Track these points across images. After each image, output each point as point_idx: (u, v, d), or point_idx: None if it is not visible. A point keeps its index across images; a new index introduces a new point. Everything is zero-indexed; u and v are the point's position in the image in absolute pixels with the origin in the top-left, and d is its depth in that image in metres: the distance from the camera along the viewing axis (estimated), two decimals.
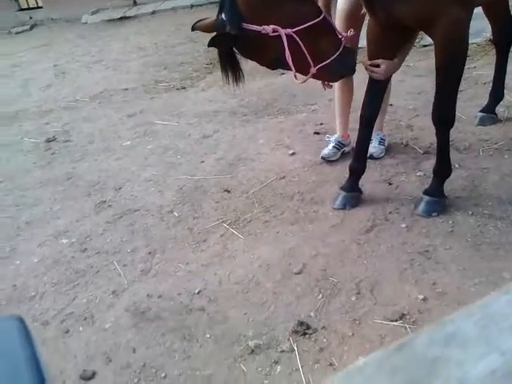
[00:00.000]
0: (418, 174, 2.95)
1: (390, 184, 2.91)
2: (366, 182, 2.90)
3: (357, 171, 2.76)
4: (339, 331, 1.97)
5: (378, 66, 2.42)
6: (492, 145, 3.12)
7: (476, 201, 2.61)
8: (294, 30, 2.05)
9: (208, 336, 2.06)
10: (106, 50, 8.30)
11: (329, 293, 2.17)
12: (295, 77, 2.34)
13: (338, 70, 2.29)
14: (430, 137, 3.21)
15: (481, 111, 3.44)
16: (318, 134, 3.70)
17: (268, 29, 2.02)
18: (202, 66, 6.27)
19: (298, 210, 2.82)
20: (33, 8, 14.37)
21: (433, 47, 2.37)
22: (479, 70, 4.35)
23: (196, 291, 2.30)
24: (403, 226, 2.53)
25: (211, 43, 2.09)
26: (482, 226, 2.41)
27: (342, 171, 3.07)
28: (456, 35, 2.18)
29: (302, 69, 2.23)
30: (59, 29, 11.57)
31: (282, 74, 5.27)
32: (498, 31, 3.34)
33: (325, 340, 1.94)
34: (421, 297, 2.04)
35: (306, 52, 2.12)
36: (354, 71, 2.44)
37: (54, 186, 3.62)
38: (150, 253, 2.65)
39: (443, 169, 2.57)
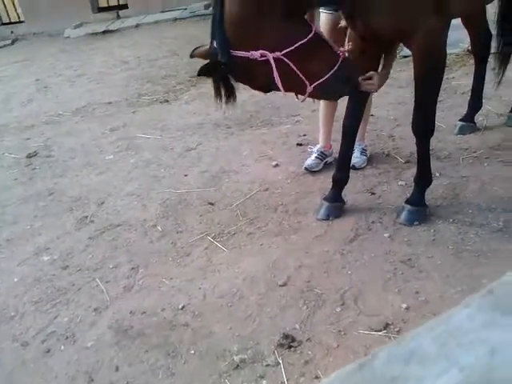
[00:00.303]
0: (399, 183, 2.98)
1: (373, 194, 2.93)
2: (349, 193, 2.92)
3: (340, 181, 2.77)
4: (324, 343, 1.96)
5: (370, 78, 2.45)
6: (471, 153, 3.16)
7: (457, 209, 2.64)
8: (283, 52, 2.02)
9: (192, 352, 2.03)
10: (89, 63, 8.27)
11: (313, 304, 2.17)
12: (296, 96, 2.32)
13: (338, 86, 2.21)
14: (411, 146, 3.24)
15: (460, 120, 3.50)
16: (301, 145, 3.72)
17: (256, 54, 2.00)
18: (186, 79, 6.28)
19: (281, 222, 2.82)
20: (14, 22, 14.29)
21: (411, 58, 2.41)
22: (458, 79, 4.43)
23: (180, 306, 2.28)
24: (386, 235, 2.54)
25: (201, 72, 2.08)
26: (463, 233, 2.44)
27: (325, 182, 3.09)
28: (433, 46, 2.21)
29: (299, 88, 2.19)
30: (41, 43, 11.52)
31: None
32: (476, 42, 3.42)
33: (310, 352, 1.93)
34: (404, 306, 2.05)
35: (298, 72, 2.09)
36: (356, 86, 2.34)
37: (35, 202, 3.57)
38: (132, 268, 2.62)
39: (424, 178, 2.60)
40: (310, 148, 3.41)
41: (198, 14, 10.92)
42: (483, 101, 3.52)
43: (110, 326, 2.23)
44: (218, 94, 2.18)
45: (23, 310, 2.44)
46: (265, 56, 2.01)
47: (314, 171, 3.27)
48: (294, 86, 2.16)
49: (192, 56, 2.21)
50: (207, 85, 5.88)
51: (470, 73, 3.69)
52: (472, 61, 3.79)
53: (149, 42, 9.25)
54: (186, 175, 3.58)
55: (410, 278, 2.22)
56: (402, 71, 4.72)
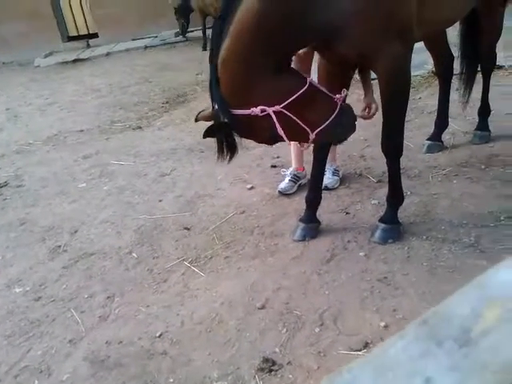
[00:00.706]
0: (372, 202, 3.03)
1: (347, 213, 2.97)
2: (324, 213, 2.95)
3: (313, 202, 2.81)
4: (304, 365, 1.95)
5: (369, 107, 2.61)
6: (440, 171, 3.25)
7: (429, 226, 2.69)
8: (282, 105, 2.08)
9: (171, 380, 1.99)
10: (60, 92, 8.23)
11: (293, 326, 2.16)
12: (301, 145, 2.39)
13: (338, 130, 2.28)
14: (382, 166, 3.32)
15: (428, 139, 3.61)
16: (275, 167, 3.76)
17: (256, 110, 2.06)
18: (158, 105, 6.31)
19: (258, 244, 2.82)
20: None
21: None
22: (424, 100, 4.58)
23: (157, 334, 2.23)
24: (362, 254, 2.57)
25: (207, 134, 2.16)
26: (437, 250, 2.49)
27: (301, 203, 3.11)
28: (397, 69, 2.29)
29: (301, 137, 2.27)
30: (11, 72, 11.41)
31: None
32: (440, 64, 3.56)
33: (291, 376, 1.91)
34: (382, 324, 2.06)
35: (299, 122, 2.14)
36: (354, 129, 2.41)
37: (7, 232, 3.48)
38: (108, 297, 2.57)
39: (396, 197, 2.65)
40: (284, 171, 3.45)
41: (168, 42, 11.07)
42: (449, 120, 3.65)
43: (86, 358, 2.17)
44: (221, 151, 2.26)
45: None
46: (265, 111, 2.08)
47: (289, 194, 3.30)
48: (297, 135, 2.25)
49: (197, 120, 2.29)
50: (179, 111, 5.93)
51: (436, 93, 3.83)
52: (437, 82, 3.94)
53: (120, 69, 9.29)
54: (160, 201, 3.56)
55: (386, 295, 2.24)
56: None
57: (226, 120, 2.09)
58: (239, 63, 2.03)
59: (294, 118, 2.12)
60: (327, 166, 3.06)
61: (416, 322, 0.45)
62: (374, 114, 2.68)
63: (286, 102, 2.09)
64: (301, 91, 2.12)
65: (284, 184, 3.34)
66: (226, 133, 2.17)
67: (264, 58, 2.05)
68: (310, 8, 2.02)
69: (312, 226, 2.80)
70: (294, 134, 2.21)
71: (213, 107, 2.15)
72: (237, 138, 2.23)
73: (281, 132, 2.13)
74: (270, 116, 2.09)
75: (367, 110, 2.66)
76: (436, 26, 2.70)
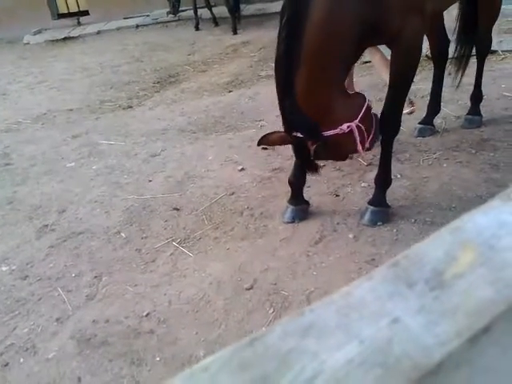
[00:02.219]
0: (362, 185, 3.03)
1: (337, 196, 2.96)
2: (314, 195, 2.95)
3: (297, 184, 2.79)
4: None
5: None
6: (431, 155, 3.25)
7: (418, 209, 2.70)
8: (358, 119, 2.26)
9: (158, 359, 1.99)
10: (50, 70, 8.08)
11: (280, 306, 2.17)
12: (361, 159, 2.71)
13: (377, 135, 2.54)
14: (372, 150, 3.31)
15: (420, 123, 3.59)
16: (266, 149, 3.72)
17: (344, 127, 2.21)
18: (149, 85, 6.22)
19: (247, 226, 2.81)
20: None
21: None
22: (417, 84, 4.54)
23: (144, 314, 2.23)
24: (351, 236, 2.57)
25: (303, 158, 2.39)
26: (425, 232, 2.49)
27: None
28: (414, 44, 2.38)
29: (363, 148, 2.41)
30: (0, 50, 11.18)
31: (230, 91, 5.32)
32: (435, 47, 3.53)
33: None
34: None
35: (365, 134, 2.35)
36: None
37: None
38: (95, 277, 2.56)
39: (384, 179, 2.66)
40: None
41: (160, 21, 10.86)
42: (441, 104, 3.63)
43: (72, 336, 2.16)
44: (312, 169, 2.46)
45: None
46: (350, 127, 2.23)
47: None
48: (362, 146, 2.38)
49: (261, 144, 2.43)
50: (170, 91, 5.86)
51: (429, 77, 3.81)
52: (430, 65, 3.91)
53: (111, 48, 9.13)
54: (150, 181, 3.53)
55: None
56: (364, 76, 4.80)
57: (319, 141, 2.17)
58: (320, 90, 2.14)
59: (364, 129, 2.31)
60: None
61: (386, 265, 0.44)
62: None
63: (360, 116, 2.28)
64: (366, 105, 2.34)
65: None
66: (315, 158, 2.32)
67: (340, 73, 2.21)
68: (359, 12, 2.09)
69: (301, 207, 2.79)
70: (362, 144, 2.36)
71: (290, 134, 2.23)
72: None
73: (359, 145, 2.32)
74: (352, 132, 2.24)
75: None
76: (440, 4, 2.71)
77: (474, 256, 0.42)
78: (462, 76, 3.55)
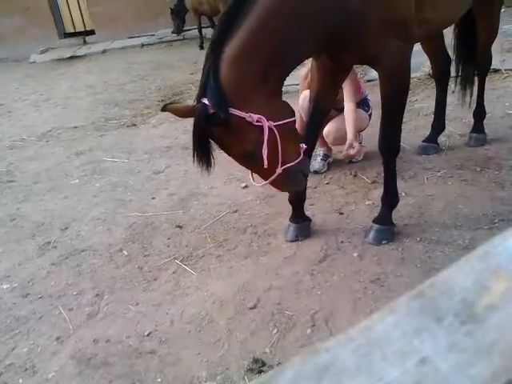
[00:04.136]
0: (367, 203, 3.00)
1: (341, 214, 2.94)
2: (318, 213, 2.92)
3: (297, 201, 2.76)
4: None
5: (352, 146, 2.95)
6: (436, 173, 3.23)
7: (423, 227, 2.67)
8: (276, 123, 2.01)
9: (159, 380, 1.95)
10: (55, 88, 8.16)
11: (284, 327, 2.13)
12: (252, 179, 2.30)
13: (297, 175, 2.21)
14: (376, 167, 3.31)
15: (424, 141, 3.59)
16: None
17: (254, 117, 1.95)
18: (154, 103, 6.26)
19: (251, 244, 2.79)
20: None
21: (377, 82, 2.49)
22: (420, 102, 4.57)
23: (146, 333, 2.20)
24: (355, 254, 2.54)
25: (200, 121, 1.97)
26: (430, 251, 2.46)
27: None
28: (399, 66, 2.31)
29: (271, 165, 2.08)
30: (6, 68, 11.31)
31: None
32: (437, 67, 3.55)
33: None
34: None
35: (279, 149, 2.05)
36: (305, 182, 2.41)
37: None
38: (97, 295, 2.53)
39: (391, 197, 2.63)
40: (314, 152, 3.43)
41: (165, 40, 11.01)
42: (445, 122, 3.63)
43: (73, 356, 2.13)
44: (199, 156, 2.10)
45: None
46: (260, 121, 1.97)
47: (322, 173, 3.49)
48: (269, 162, 2.04)
49: (165, 110, 2.10)
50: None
51: (432, 95, 3.82)
52: (433, 84, 3.92)
53: (116, 67, 9.23)
54: (153, 198, 3.52)
55: (380, 297, 2.21)
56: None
57: (221, 115, 1.91)
58: (250, 62, 1.94)
59: (279, 141, 2.03)
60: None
61: (410, 295, 0.39)
62: (356, 154, 3.08)
63: (279, 122, 2.02)
64: (292, 119, 2.11)
65: (317, 164, 3.48)
66: (208, 129, 2.00)
67: (275, 63, 1.99)
68: (323, 11, 2.01)
69: (303, 225, 2.77)
70: (269, 158, 2.03)
71: (198, 100, 2.00)
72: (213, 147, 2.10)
73: (264, 150, 2.00)
74: (261, 130, 1.98)
75: (350, 150, 2.97)
76: (435, 25, 2.69)
77: (507, 285, 0.38)
78: (469, 95, 3.55)
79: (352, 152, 2.99)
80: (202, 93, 1.98)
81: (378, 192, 2.99)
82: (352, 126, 3.10)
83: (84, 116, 6.10)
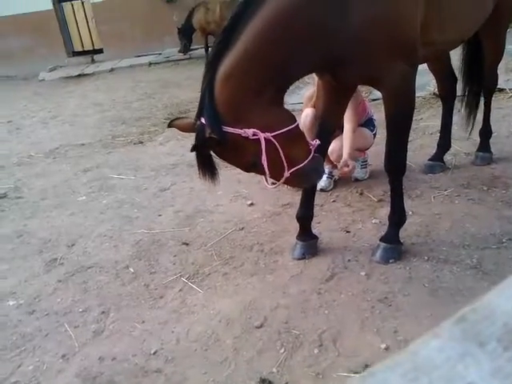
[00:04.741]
0: (373, 221, 3.00)
1: (348, 232, 2.93)
2: (324, 231, 2.92)
3: (305, 219, 2.77)
4: None
5: (347, 165, 2.96)
6: (442, 191, 3.23)
7: (430, 246, 2.66)
8: (273, 134, 2.06)
9: None
10: (63, 106, 8.26)
11: (291, 346, 2.11)
12: (266, 181, 2.35)
13: (309, 174, 2.28)
14: (383, 185, 3.31)
15: (430, 160, 3.59)
16: (275, 183, 3.72)
17: (248, 132, 2.01)
18: (160, 120, 6.32)
19: (257, 261, 2.78)
20: None
21: (381, 101, 2.50)
22: (426, 121, 4.59)
23: (152, 351, 2.18)
24: (362, 273, 2.53)
25: (194, 149, 2.07)
26: (438, 271, 2.45)
27: None
28: (403, 88, 2.31)
29: (277, 173, 2.19)
30: (15, 86, 11.48)
31: None
32: (443, 86, 3.57)
33: None
34: (383, 346, 2.01)
35: (282, 156, 2.11)
36: (321, 177, 2.47)
37: (3, 244, 3.44)
38: (103, 312, 2.52)
39: (398, 216, 2.62)
40: None
41: (172, 59, 11.15)
42: (451, 141, 3.64)
43: (78, 374, 2.11)
44: (202, 170, 2.18)
45: None
46: (256, 135, 2.03)
47: (328, 191, 3.50)
48: (275, 168, 2.15)
49: (171, 126, 2.21)
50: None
51: (437, 114, 3.84)
52: (438, 103, 3.95)
53: (123, 85, 9.34)
54: (159, 215, 3.53)
55: (387, 316, 2.19)
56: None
57: (214, 135, 1.99)
58: (242, 80, 2.00)
59: (280, 150, 2.09)
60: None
61: (452, 319, 0.40)
62: (351, 172, 3.06)
63: (277, 132, 2.06)
64: (291, 126, 2.13)
65: (323, 182, 3.46)
66: (211, 148, 2.09)
67: (268, 81, 2.03)
68: (319, 33, 2.02)
69: (310, 243, 2.76)
70: (274, 166, 2.12)
71: (198, 119, 2.07)
72: (216, 160, 2.17)
73: (264, 161, 2.08)
74: (259, 142, 2.04)
75: (344, 168, 2.98)
76: (442, 46, 2.71)
77: None
78: (475, 115, 3.57)
79: (346, 169, 3.00)
80: (200, 112, 2.05)
81: (385, 210, 2.99)
82: (348, 145, 3.14)
83: (91, 133, 6.16)
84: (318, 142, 2.32)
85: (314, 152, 2.26)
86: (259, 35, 1.96)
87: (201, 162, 2.16)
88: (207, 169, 2.17)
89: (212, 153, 2.13)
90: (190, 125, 2.13)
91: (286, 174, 2.17)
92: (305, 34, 2.01)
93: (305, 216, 2.76)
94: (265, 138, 2.04)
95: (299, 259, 2.72)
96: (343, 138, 3.22)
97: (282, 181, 2.24)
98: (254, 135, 2.02)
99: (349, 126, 3.22)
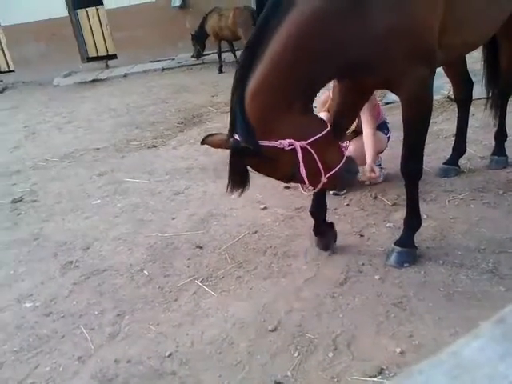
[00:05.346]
0: (387, 225, 2.98)
1: (362, 236, 2.92)
2: (338, 234, 2.91)
3: (317, 213, 2.79)
4: None
5: (373, 171, 3.04)
6: (457, 195, 3.20)
7: (446, 250, 2.64)
8: (308, 141, 2.09)
9: None
10: (78, 111, 8.37)
11: (305, 350, 2.11)
12: (302, 189, 2.39)
13: (345, 177, 2.30)
14: (397, 189, 3.30)
15: (444, 163, 3.57)
16: (288, 188, 3.73)
17: (284, 143, 2.03)
18: (174, 125, 6.36)
19: (271, 265, 2.78)
20: (4, 72, 14.51)
21: (395, 104, 2.50)
22: (440, 125, 4.55)
23: (167, 354, 2.19)
24: (377, 277, 2.51)
25: (230, 163, 2.15)
26: (454, 275, 2.43)
27: None
28: (421, 92, 2.30)
29: (314, 179, 2.22)
30: (31, 91, 11.66)
31: None
32: (459, 90, 3.55)
33: None
34: (398, 350, 2.00)
35: (318, 162, 2.14)
36: (355, 177, 2.48)
37: (20, 247, 3.49)
38: (118, 315, 2.54)
39: (414, 220, 2.61)
40: None
41: (185, 64, 11.24)
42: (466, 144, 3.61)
43: (94, 376, 2.13)
44: (234, 184, 2.22)
45: (3, 360, 2.33)
46: (292, 145, 2.06)
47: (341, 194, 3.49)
48: (313, 175, 2.18)
49: (204, 143, 2.26)
50: (194, 131, 5.98)
51: (452, 118, 3.81)
52: (452, 106, 3.92)
53: (137, 90, 9.43)
54: (173, 219, 3.55)
55: (402, 320, 2.18)
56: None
57: (251, 149, 2.02)
58: (272, 95, 2.02)
59: (316, 156, 2.12)
60: None
61: (492, 321, 0.40)
62: (378, 176, 3.15)
63: (311, 140, 2.10)
64: (324, 132, 2.16)
65: None
66: (243, 163, 2.14)
67: (296, 92, 2.06)
68: (341, 42, 2.04)
69: (327, 234, 2.81)
70: (311, 173, 2.16)
71: (231, 136, 2.10)
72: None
73: (302, 169, 2.11)
74: (295, 151, 2.07)
75: (371, 174, 3.05)
76: (459, 50, 2.70)
77: None
78: (502, 117, 3.53)
79: (373, 175, 3.08)
80: (233, 128, 2.08)
81: (399, 214, 2.98)
82: (371, 150, 3.19)
83: (106, 138, 6.23)
84: (348, 143, 2.35)
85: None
86: (284, 48, 1.99)
87: (234, 175, 2.21)
88: (241, 182, 2.22)
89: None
90: (223, 141, 2.17)
91: (323, 179, 2.20)
92: (328, 45, 2.03)
93: (318, 211, 2.78)
94: (301, 147, 2.08)
95: (324, 250, 2.80)
96: (365, 143, 3.25)
97: (319, 186, 2.26)
98: (289, 145, 2.05)
99: (369, 130, 3.25)
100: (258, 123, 2.03)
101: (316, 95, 2.25)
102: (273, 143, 2.03)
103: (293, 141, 2.05)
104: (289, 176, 2.22)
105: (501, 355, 0.37)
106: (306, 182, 2.18)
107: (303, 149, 2.08)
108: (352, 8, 2.02)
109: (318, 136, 2.12)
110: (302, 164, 2.10)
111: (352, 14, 2.03)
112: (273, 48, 1.99)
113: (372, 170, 3.07)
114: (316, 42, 2.01)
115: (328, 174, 2.19)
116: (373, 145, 3.20)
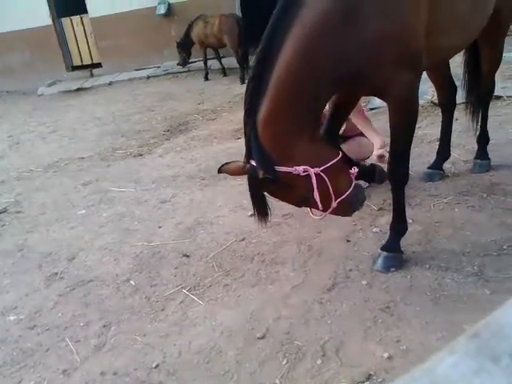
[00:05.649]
0: (374, 230, 3.00)
1: (348, 241, 2.93)
2: (325, 240, 2.92)
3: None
4: None
5: (382, 156, 2.95)
6: (442, 199, 3.23)
7: (431, 254, 2.65)
8: (321, 168, 2.16)
9: None
10: (62, 120, 8.30)
11: (294, 357, 2.10)
12: (311, 212, 2.47)
13: (354, 202, 2.39)
14: (382, 194, 3.32)
15: (429, 168, 3.60)
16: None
17: (299, 169, 2.12)
18: (160, 133, 6.35)
19: (258, 272, 2.77)
20: None
21: (380, 110, 2.52)
22: (424, 129, 4.60)
23: (154, 365, 2.17)
24: (364, 282, 2.52)
25: (253, 190, 2.21)
26: (440, 278, 2.44)
27: (302, 231, 3.10)
28: (407, 97, 2.34)
29: (325, 204, 2.29)
30: (15, 101, 11.55)
31: (238, 138, 5.40)
32: (443, 95, 3.59)
33: None
34: (386, 355, 2.00)
35: (331, 188, 2.22)
36: (363, 204, 2.54)
37: (4, 259, 3.44)
38: (104, 326, 2.51)
39: (400, 225, 2.63)
40: None
41: (170, 72, 11.23)
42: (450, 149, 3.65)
43: None
44: (260, 213, 2.31)
45: None
46: (307, 171, 2.13)
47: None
48: (324, 201, 2.25)
49: (220, 171, 2.31)
50: (180, 139, 5.96)
51: (435, 123, 3.85)
52: (436, 111, 3.97)
53: (122, 98, 9.39)
54: (160, 227, 3.53)
55: (390, 326, 2.18)
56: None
57: (268, 176, 2.09)
58: (283, 120, 2.08)
59: (328, 182, 2.19)
60: None
61: (466, 335, 0.40)
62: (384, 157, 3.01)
63: (325, 166, 2.17)
64: (337, 158, 2.24)
65: None
66: (262, 190, 2.21)
67: (305, 111, 2.12)
68: (340, 55, 2.07)
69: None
70: (323, 198, 2.24)
71: (247, 162, 2.16)
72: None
73: (316, 195, 2.19)
74: (309, 177, 2.14)
75: (384, 153, 2.95)
76: (442, 54, 2.74)
77: None
78: (477, 122, 3.57)
79: (386, 154, 2.98)
80: (249, 155, 2.16)
81: (385, 219, 2.99)
82: (372, 132, 3.17)
83: (91, 147, 6.18)
84: (357, 169, 2.41)
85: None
86: (291, 68, 2.03)
87: (255, 201, 2.29)
88: (262, 207, 2.29)
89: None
90: (240, 168, 2.24)
91: (334, 204, 2.28)
92: (330, 61, 2.07)
93: None
94: (315, 173, 2.15)
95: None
96: (364, 131, 3.27)
97: (329, 211, 2.33)
98: (304, 172, 2.13)
99: (363, 123, 3.26)
100: (273, 150, 2.10)
101: (321, 118, 2.33)
102: (288, 169, 2.11)
103: (307, 167, 2.13)
104: (302, 200, 2.31)
105: (475, 370, 0.37)
106: (320, 206, 2.26)
107: (317, 175, 2.16)
108: (345, 21, 2.04)
109: (331, 163, 2.20)
110: (315, 190, 2.17)
111: (347, 26, 2.05)
112: (279, 69, 2.03)
113: (382, 147, 2.99)
114: (318, 58, 2.05)
115: (338, 199, 2.27)
116: (372, 129, 3.18)
